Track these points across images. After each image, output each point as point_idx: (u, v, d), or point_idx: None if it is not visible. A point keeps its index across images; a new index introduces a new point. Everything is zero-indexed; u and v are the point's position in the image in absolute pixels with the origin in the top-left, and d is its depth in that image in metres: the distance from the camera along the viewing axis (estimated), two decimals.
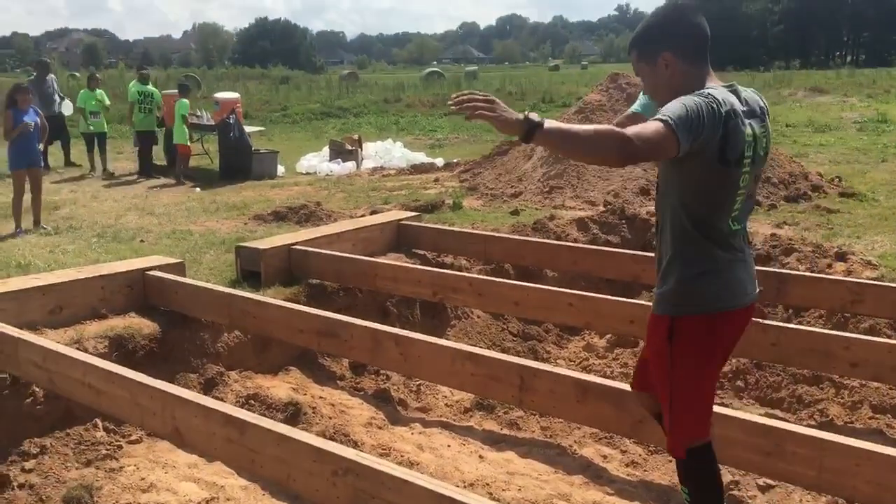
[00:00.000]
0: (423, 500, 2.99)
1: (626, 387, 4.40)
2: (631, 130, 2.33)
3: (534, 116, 2.42)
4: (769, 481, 4.73)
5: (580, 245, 7.37)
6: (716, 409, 4.04)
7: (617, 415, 3.97)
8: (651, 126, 2.34)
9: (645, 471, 5.17)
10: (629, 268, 6.49)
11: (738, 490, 4.73)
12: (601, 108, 11.95)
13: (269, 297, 5.75)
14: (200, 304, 5.80)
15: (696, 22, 2.60)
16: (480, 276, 6.35)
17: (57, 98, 15.01)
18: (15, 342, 4.57)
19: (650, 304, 5.71)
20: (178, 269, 6.39)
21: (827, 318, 6.46)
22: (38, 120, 9.36)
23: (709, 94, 2.44)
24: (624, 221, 8.36)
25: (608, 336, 6.54)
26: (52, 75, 15.80)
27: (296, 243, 7.01)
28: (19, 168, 9.30)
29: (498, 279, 6.07)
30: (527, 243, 7.25)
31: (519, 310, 5.84)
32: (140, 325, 5.84)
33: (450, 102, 2.66)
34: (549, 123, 2.41)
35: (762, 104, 2.66)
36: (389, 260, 7.02)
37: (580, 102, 13.14)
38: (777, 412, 5.63)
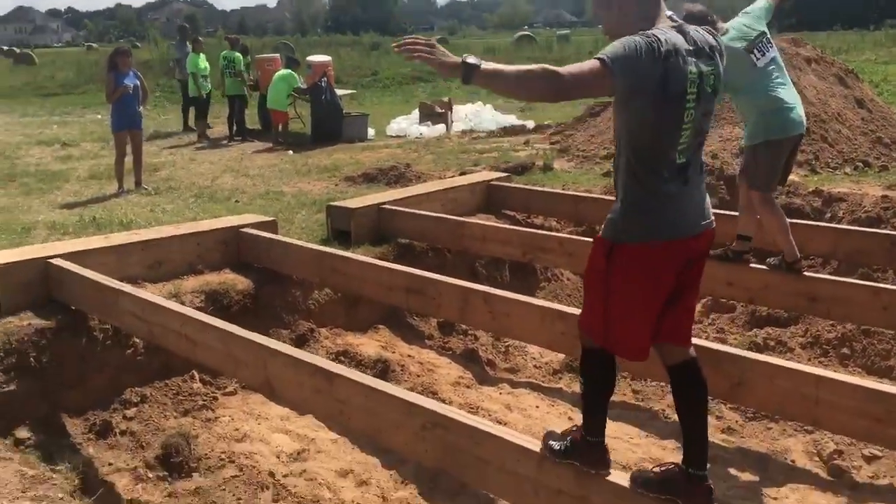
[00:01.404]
0: (513, 455, 2.93)
1: (728, 349, 4.23)
2: (565, 68, 2.51)
3: (472, 59, 2.59)
4: (875, 451, 4.48)
5: None
6: (825, 373, 3.84)
7: (714, 378, 3.79)
8: (587, 64, 2.52)
9: (742, 437, 4.98)
10: (728, 230, 6.20)
11: (843, 460, 4.51)
12: None
13: (359, 255, 5.76)
14: (292, 262, 5.86)
15: None
16: (571, 236, 6.21)
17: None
18: (116, 294, 4.70)
19: (752, 266, 5.52)
20: (271, 227, 6.47)
21: None
22: (138, 82, 9.61)
23: (651, 34, 2.56)
24: (722, 182, 8.04)
25: (704, 300, 6.31)
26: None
27: (385, 203, 7.01)
28: (120, 130, 9.59)
29: (590, 239, 5.90)
30: (582, 199, 7.06)
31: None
32: (234, 280, 5.96)
33: (393, 45, 2.86)
34: (486, 66, 2.58)
35: (713, 43, 2.71)
36: (478, 220, 6.94)
37: None
38: (885, 382, 5.33)
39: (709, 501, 2.72)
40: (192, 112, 15.14)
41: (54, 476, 3.18)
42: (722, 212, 5.94)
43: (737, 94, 5.25)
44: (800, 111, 5.17)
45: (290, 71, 13.95)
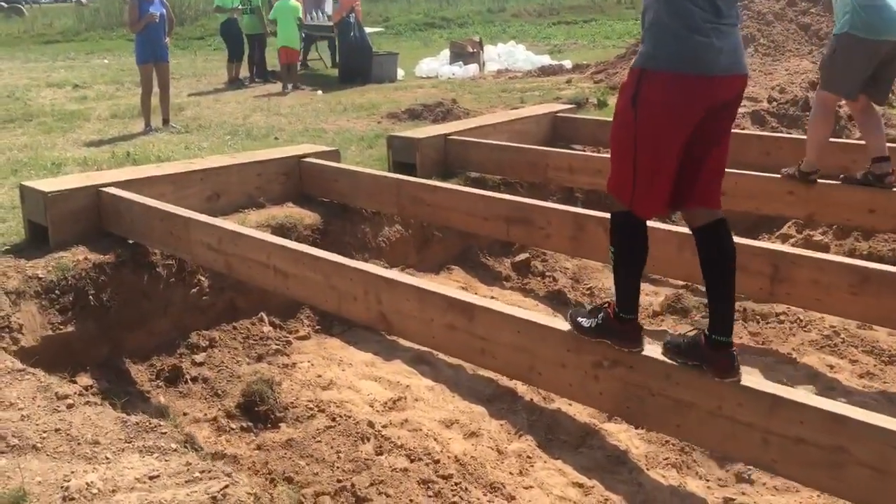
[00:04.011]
0: (734, 398, 2.41)
1: None
2: None
3: None
4: None
5: (772, 133, 6.52)
6: None
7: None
8: None
9: (884, 382, 4.48)
10: (836, 158, 5.63)
11: None
12: None
13: (447, 183, 5.19)
14: (364, 193, 5.29)
15: None
16: None
17: None
18: (186, 223, 4.13)
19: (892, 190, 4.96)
20: (334, 156, 5.89)
21: None
22: (165, 11, 8.91)
23: None
24: (807, 114, 7.41)
25: (835, 227, 5.70)
26: None
27: (452, 134, 6.41)
28: (146, 62, 8.90)
29: None
30: None
31: (726, 201, 5.08)
32: (300, 214, 5.39)
33: None
34: None
35: None
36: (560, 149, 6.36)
37: None
38: None
39: (732, 366, 2.55)
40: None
41: (162, 424, 2.64)
42: (832, 139, 5.38)
43: None
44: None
45: (290, 1, 12.55)
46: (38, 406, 2.73)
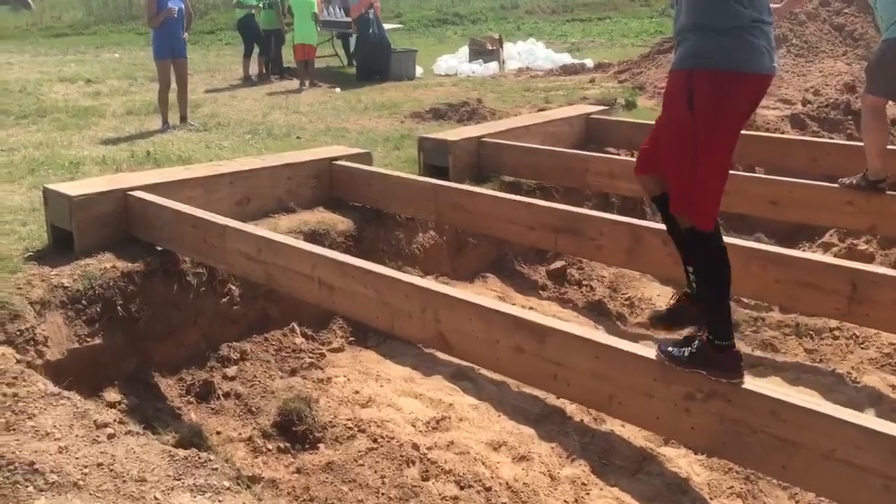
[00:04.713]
0: (834, 434, 2.19)
1: None
2: None
3: None
4: None
5: (819, 139, 6.29)
6: None
7: None
8: None
9: None
10: (892, 165, 5.40)
11: None
12: None
13: (488, 189, 4.97)
14: (400, 198, 5.07)
15: None
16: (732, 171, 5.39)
17: None
18: (222, 230, 3.91)
19: None
20: (366, 159, 5.66)
21: None
22: (183, 5, 8.67)
23: None
24: (850, 117, 7.19)
25: (879, 237, 5.49)
26: None
27: (485, 136, 6.19)
28: (163, 58, 8.67)
29: (750, 174, 5.10)
30: (748, 137, 6.21)
31: (777, 210, 4.88)
32: (333, 220, 5.16)
33: None
34: None
35: None
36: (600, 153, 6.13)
37: None
38: None
39: (738, 367, 2.49)
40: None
41: (212, 458, 2.42)
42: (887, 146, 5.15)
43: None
44: None
45: None
46: (77, 436, 2.52)
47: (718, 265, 2.63)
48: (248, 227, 3.94)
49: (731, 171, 5.61)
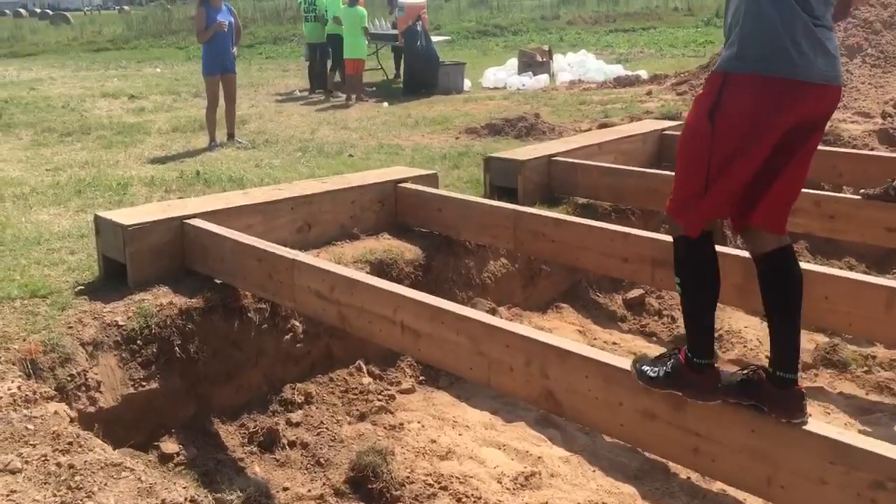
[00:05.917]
0: None
1: None
2: None
3: None
4: None
5: None
6: None
7: None
8: None
9: None
10: None
11: None
12: None
13: (576, 217, 4.56)
14: (474, 225, 4.68)
15: None
16: (833, 194, 4.94)
17: None
18: (291, 266, 3.55)
19: None
20: (432, 181, 5.28)
21: None
22: (233, 20, 8.40)
23: None
24: None
25: None
26: None
27: (556, 154, 5.78)
28: (212, 74, 8.39)
29: (857, 197, 4.62)
30: (841, 155, 5.74)
31: (884, 236, 4.42)
32: (400, 248, 4.79)
33: None
34: None
35: None
36: None
37: None
38: None
39: (801, 407, 2.22)
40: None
41: None
42: None
43: None
44: None
45: (357, 7, 11.59)
46: None
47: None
48: (319, 262, 3.57)
49: (839, 194, 5.17)
